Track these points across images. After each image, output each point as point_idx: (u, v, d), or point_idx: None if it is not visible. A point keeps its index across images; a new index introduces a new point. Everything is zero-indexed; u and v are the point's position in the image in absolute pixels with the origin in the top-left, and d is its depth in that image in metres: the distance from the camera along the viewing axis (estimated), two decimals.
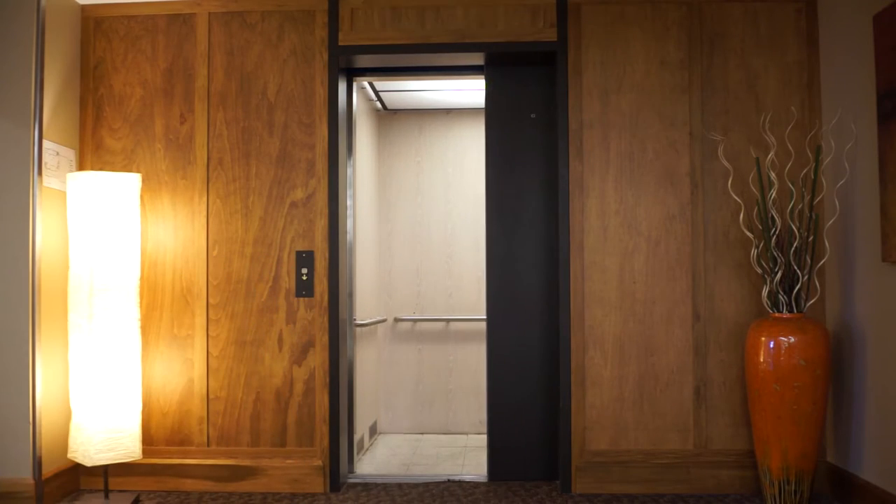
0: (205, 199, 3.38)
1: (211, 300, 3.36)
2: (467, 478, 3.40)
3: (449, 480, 3.38)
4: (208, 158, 3.38)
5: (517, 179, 3.45)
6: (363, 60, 3.43)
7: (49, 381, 3.10)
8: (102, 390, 2.98)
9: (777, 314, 2.98)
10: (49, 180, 3.12)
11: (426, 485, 3.38)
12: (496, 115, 3.46)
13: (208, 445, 3.34)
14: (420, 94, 4.44)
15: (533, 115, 3.27)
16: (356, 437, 3.77)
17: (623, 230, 3.30)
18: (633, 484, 3.24)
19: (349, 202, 3.66)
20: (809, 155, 3.20)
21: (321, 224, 3.35)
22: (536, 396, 3.44)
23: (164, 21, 3.41)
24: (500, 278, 3.43)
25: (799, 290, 2.97)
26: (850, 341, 3.05)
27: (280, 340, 3.34)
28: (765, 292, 3.06)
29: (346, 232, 3.56)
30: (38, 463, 2.97)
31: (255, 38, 3.39)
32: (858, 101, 2.96)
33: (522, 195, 3.42)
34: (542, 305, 3.43)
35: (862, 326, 2.97)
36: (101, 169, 3.40)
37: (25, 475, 2.97)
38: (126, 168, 3.40)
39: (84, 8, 3.42)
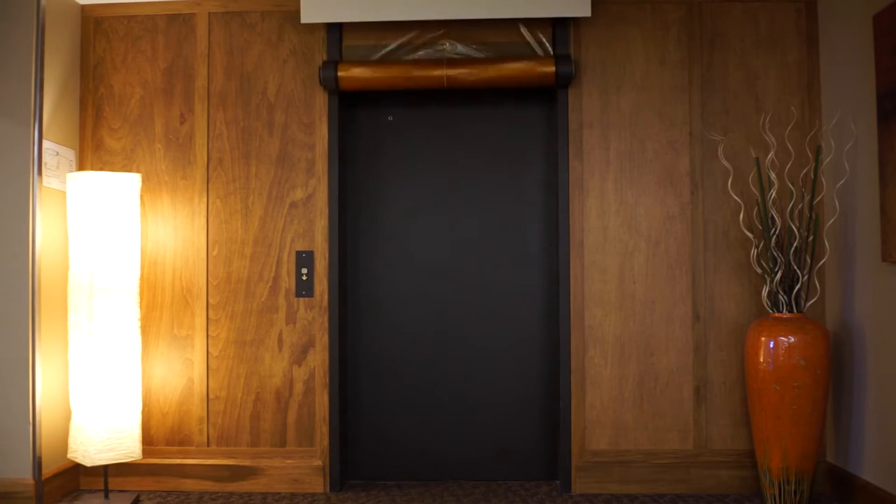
0: (205, 199, 3.38)
1: (211, 300, 3.36)
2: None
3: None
4: (208, 158, 3.38)
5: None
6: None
7: (49, 381, 3.10)
8: (102, 390, 2.98)
9: (777, 314, 2.98)
10: (49, 180, 3.12)
11: (426, 485, 3.38)
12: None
13: (208, 445, 3.34)
14: None
15: (390, 118, 3.29)
16: None
17: (623, 230, 3.30)
18: (633, 484, 3.24)
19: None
20: (809, 155, 3.20)
21: (321, 224, 3.35)
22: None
23: (163, 21, 3.41)
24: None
25: (799, 290, 2.98)
26: (850, 341, 3.05)
27: (280, 340, 3.34)
28: (765, 292, 3.06)
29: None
30: (38, 463, 2.97)
31: (255, 38, 3.39)
32: (858, 101, 2.96)
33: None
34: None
35: (862, 326, 2.97)
36: (101, 169, 3.40)
37: (25, 475, 2.97)
38: (126, 168, 3.40)
39: (84, 8, 3.42)
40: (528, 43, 3.34)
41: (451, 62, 3.20)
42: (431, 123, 3.43)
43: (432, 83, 3.22)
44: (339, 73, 3.20)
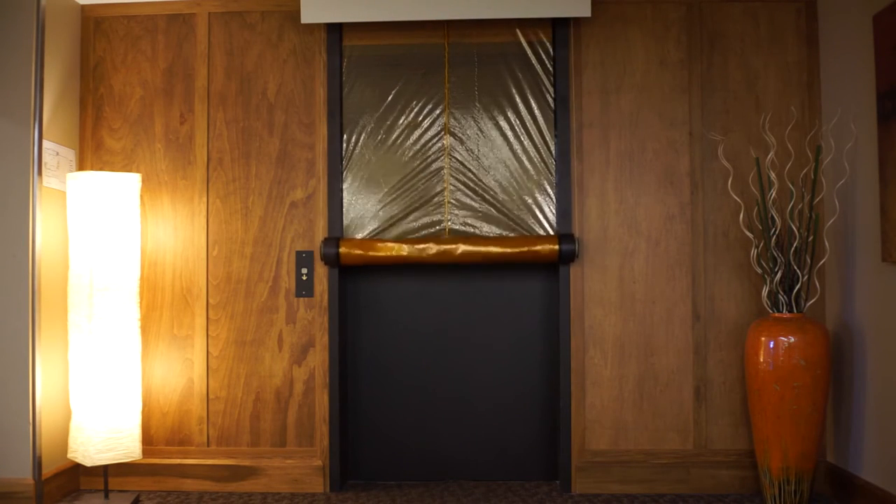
0: (205, 199, 3.38)
1: (211, 300, 3.36)
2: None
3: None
4: (208, 158, 3.39)
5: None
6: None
7: (49, 381, 3.10)
8: (102, 390, 2.98)
9: (777, 314, 2.98)
10: (49, 180, 3.12)
11: (426, 485, 3.38)
12: None
13: (208, 445, 3.34)
14: None
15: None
16: None
17: (623, 230, 3.30)
18: (633, 484, 3.24)
19: None
20: (809, 155, 3.20)
21: (321, 224, 3.35)
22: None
23: (163, 21, 3.41)
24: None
25: (799, 290, 2.98)
26: (850, 341, 3.05)
27: (280, 340, 3.34)
28: (765, 292, 3.06)
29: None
30: (38, 463, 2.97)
31: (255, 38, 3.39)
32: (858, 101, 2.96)
33: None
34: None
35: (862, 326, 2.97)
36: (101, 169, 3.40)
37: (25, 475, 2.97)
38: (126, 168, 3.40)
39: (84, 8, 3.42)
40: (526, 53, 3.34)
41: (454, 241, 3.23)
42: None
43: (433, 262, 3.25)
44: (341, 250, 3.23)
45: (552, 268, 3.39)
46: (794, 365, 2.86)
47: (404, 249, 3.21)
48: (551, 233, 3.31)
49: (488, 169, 3.35)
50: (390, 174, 3.37)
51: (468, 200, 3.35)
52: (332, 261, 3.24)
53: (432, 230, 3.34)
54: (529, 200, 3.33)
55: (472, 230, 3.34)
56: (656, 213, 3.30)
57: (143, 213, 3.37)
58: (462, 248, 3.20)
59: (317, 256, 3.34)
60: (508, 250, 3.20)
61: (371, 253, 3.22)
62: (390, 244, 3.22)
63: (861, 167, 2.96)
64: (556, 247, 3.19)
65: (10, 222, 3.00)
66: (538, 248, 3.19)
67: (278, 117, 3.38)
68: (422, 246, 3.21)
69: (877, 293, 2.87)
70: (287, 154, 3.37)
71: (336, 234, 3.32)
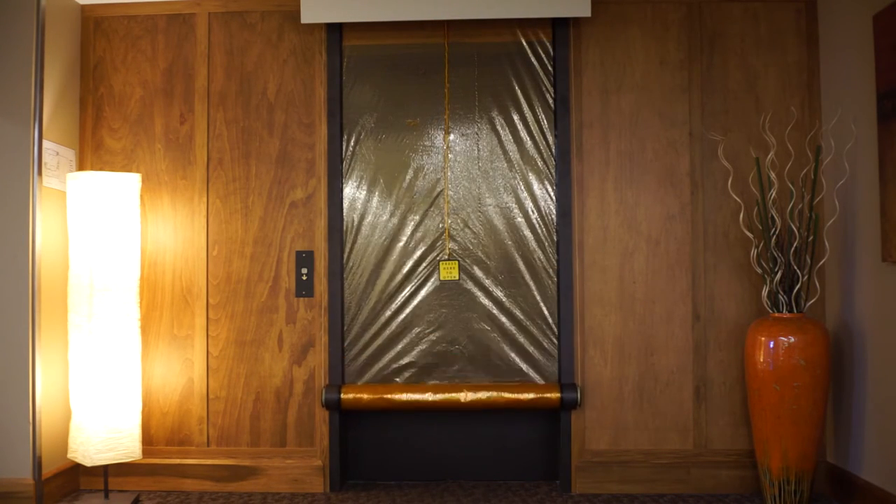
0: (205, 199, 3.38)
1: (211, 300, 3.36)
2: None
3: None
4: (208, 158, 3.39)
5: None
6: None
7: (49, 381, 3.10)
8: (102, 390, 2.98)
9: (777, 314, 2.98)
10: (49, 180, 3.12)
11: (426, 485, 3.38)
12: None
13: (208, 445, 3.34)
14: None
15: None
16: None
17: (623, 230, 3.30)
18: (633, 484, 3.24)
19: None
20: (809, 155, 3.20)
21: (321, 224, 3.35)
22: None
23: (163, 21, 3.41)
24: None
25: (799, 290, 2.98)
26: (850, 341, 3.05)
27: (280, 340, 3.34)
28: (765, 292, 3.06)
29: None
30: (37, 463, 2.97)
31: (255, 38, 3.39)
32: (858, 101, 2.96)
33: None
34: None
35: (862, 326, 2.97)
36: (101, 169, 3.40)
37: (25, 475, 2.97)
38: (126, 168, 3.40)
39: (84, 8, 3.42)
40: (526, 53, 3.35)
41: (458, 389, 3.25)
42: None
43: (437, 408, 3.26)
44: (342, 396, 3.24)
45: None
46: (793, 365, 2.86)
47: (408, 395, 3.26)
48: (541, 229, 3.31)
49: (488, 170, 3.35)
50: (390, 175, 3.37)
51: (467, 204, 3.35)
52: (334, 406, 3.25)
53: (434, 238, 3.34)
54: (529, 203, 3.34)
55: (472, 238, 3.34)
56: (656, 213, 3.30)
57: (143, 213, 3.37)
58: (469, 396, 3.24)
59: (317, 256, 3.34)
60: (512, 396, 3.25)
61: (375, 398, 3.25)
62: (393, 395, 3.26)
63: (861, 167, 2.96)
64: (558, 395, 3.21)
65: (10, 222, 3.00)
66: (543, 397, 3.22)
67: (278, 117, 3.38)
68: (424, 397, 3.25)
69: (877, 293, 2.87)
70: (287, 154, 3.37)
71: (336, 377, 3.31)
